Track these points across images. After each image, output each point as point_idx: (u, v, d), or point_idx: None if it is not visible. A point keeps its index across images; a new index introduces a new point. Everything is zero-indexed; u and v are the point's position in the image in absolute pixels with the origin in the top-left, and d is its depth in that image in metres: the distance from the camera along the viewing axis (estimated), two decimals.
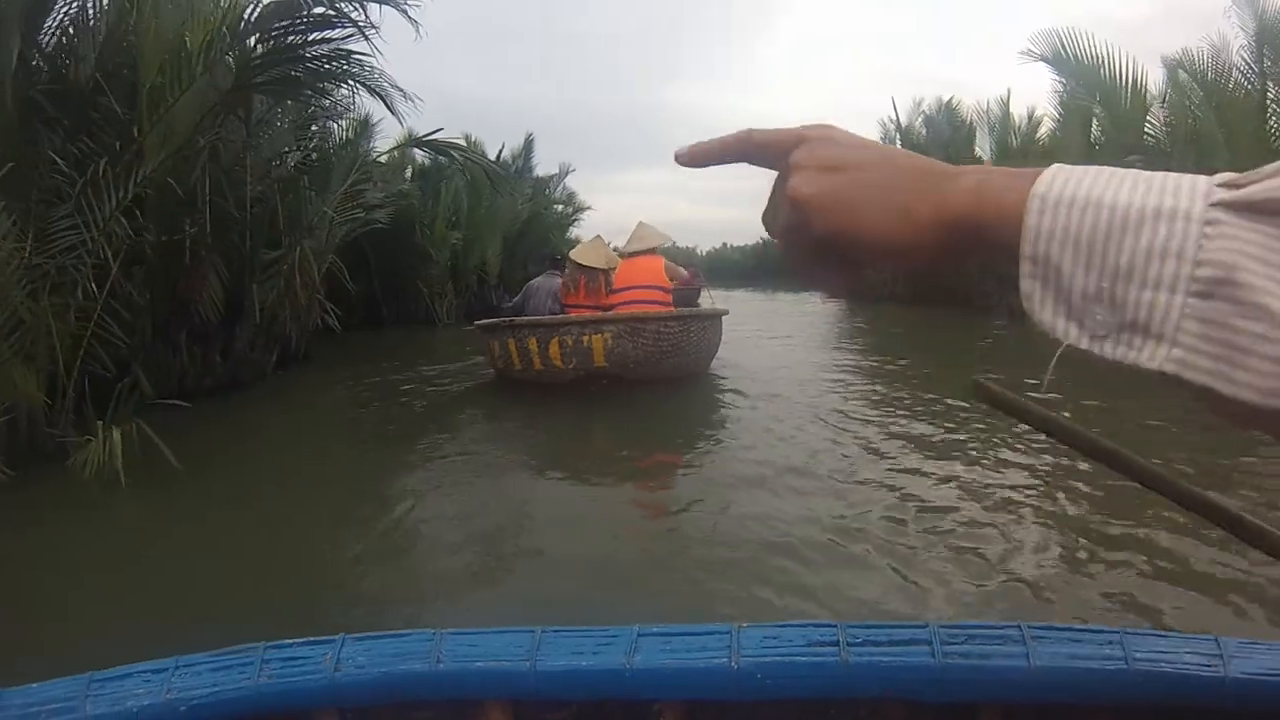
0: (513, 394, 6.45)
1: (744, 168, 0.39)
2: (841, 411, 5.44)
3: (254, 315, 6.82)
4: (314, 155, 8.55)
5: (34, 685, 0.70)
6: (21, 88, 4.45)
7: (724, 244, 50.89)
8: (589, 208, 21.95)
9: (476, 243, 15.08)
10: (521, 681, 0.69)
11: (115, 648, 1.07)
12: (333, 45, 5.86)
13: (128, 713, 0.68)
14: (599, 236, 7.46)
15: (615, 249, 7.41)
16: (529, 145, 18.04)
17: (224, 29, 4.94)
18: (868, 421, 5.14)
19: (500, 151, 16.81)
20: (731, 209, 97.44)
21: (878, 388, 6.69)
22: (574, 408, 5.81)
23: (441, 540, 3.30)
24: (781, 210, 0.35)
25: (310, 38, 5.72)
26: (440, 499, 3.88)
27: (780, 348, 9.65)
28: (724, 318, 7.08)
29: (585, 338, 5.81)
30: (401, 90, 7.49)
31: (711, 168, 0.40)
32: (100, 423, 4.04)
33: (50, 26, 4.96)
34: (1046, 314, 0.29)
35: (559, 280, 6.94)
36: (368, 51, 5.98)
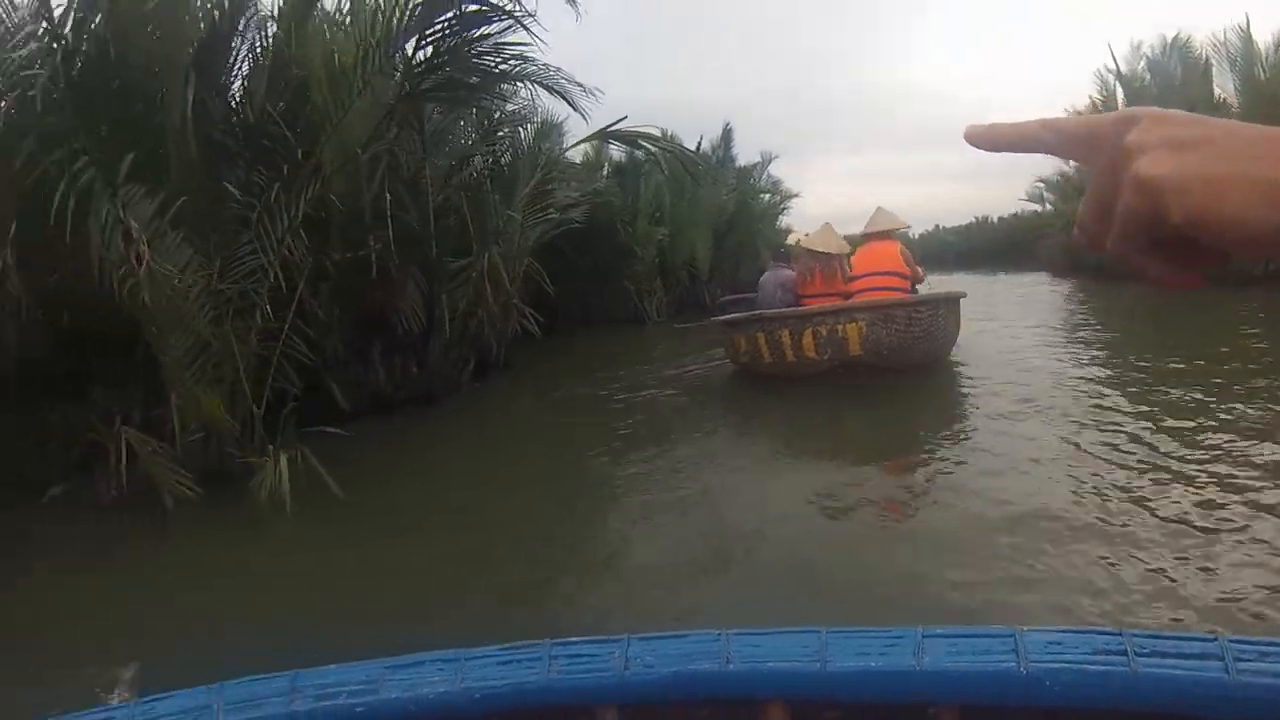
0: (744, 388, 6.35)
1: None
2: (1098, 402, 4.87)
3: (444, 325, 6.91)
4: (504, 160, 8.61)
5: (331, 667, 0.77)
6: (204, 128, 4.69)
7: (936, 226, 46.98)
8: (796, 195, 20.91)
9: (682, 237, 14.73)
10: (809, 682, 0.69)
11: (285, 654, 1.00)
12: (492, 40, 5.67)
13: (423, 698, 0.74)
14: (828, 224, 7.05)
15: (847, 237, 7.12)
16: (727, 135, 17.47)
17: (373, 42, 4.89)
18: (1129, 415, 4.53)
19: (699, 143, 16.29)
20: (941, 188, 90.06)
21: (1132, 377, 5.68)
22: (814, 399, 5.64)
23: (661, 540, 3.28)
24: (1123, 199, 0.30)
25: (467, 35, 5.56)
26: (658, 498, 3.83)
27: (1013, 332, 8.60)
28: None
29: (840, 327, 5.73)
30: (581, 85, 7.23)
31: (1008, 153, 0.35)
32: (271, 447, 4.11)
33: (231, 70, 5.24)
34: None
35: (786, 271, 6.77)
36: (527, 41, 5.71)
